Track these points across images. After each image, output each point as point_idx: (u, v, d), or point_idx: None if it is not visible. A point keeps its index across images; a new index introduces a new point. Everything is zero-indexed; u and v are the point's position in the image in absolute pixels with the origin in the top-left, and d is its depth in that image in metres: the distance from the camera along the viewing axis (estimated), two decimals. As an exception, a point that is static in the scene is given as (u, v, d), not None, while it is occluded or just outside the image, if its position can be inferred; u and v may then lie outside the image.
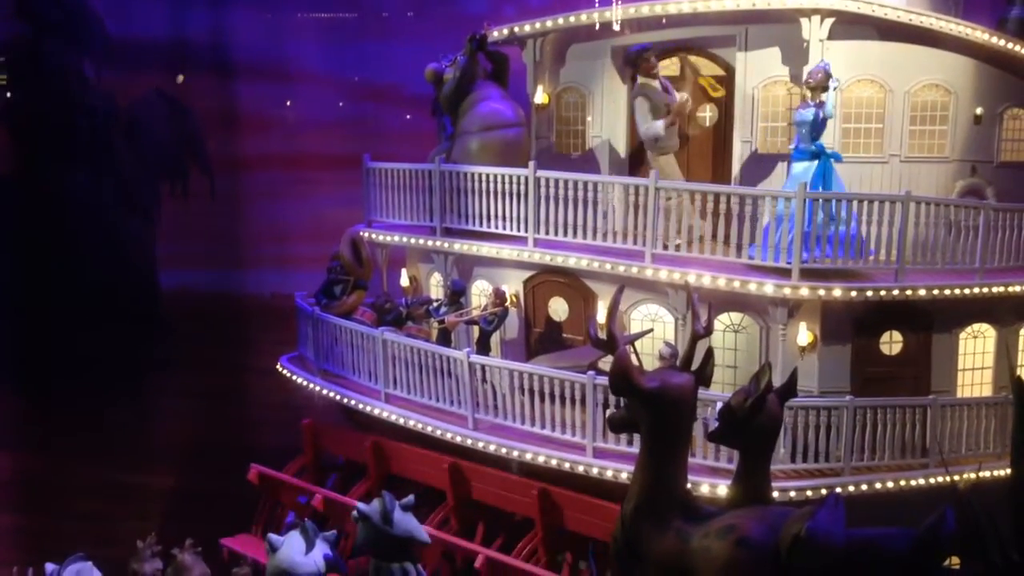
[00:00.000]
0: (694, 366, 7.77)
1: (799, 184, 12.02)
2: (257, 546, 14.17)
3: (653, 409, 7.51)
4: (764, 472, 7.78)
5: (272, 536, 8.47)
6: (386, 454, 14.70)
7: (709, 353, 7.80)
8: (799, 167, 12.66)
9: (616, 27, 13.73)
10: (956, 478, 11.34)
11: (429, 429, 13.83)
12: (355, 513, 8.35)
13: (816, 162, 12.59)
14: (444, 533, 13.23)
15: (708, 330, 8.03)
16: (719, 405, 7.82)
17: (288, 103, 34.50)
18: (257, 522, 15.26)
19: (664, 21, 14.00)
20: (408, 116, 28.26)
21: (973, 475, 11.23)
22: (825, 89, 12.72)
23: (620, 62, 15.13)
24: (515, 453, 12.98)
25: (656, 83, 13.79)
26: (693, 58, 14.67)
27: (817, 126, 12.65)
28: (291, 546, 8.35)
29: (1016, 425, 7.11)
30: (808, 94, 12.76)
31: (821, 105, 12.69)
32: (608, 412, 11.58)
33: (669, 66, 14.73)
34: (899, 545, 7.04)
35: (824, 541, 6.96)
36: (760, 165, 14.09)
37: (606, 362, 7.64)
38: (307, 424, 15.87)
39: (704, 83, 14.49)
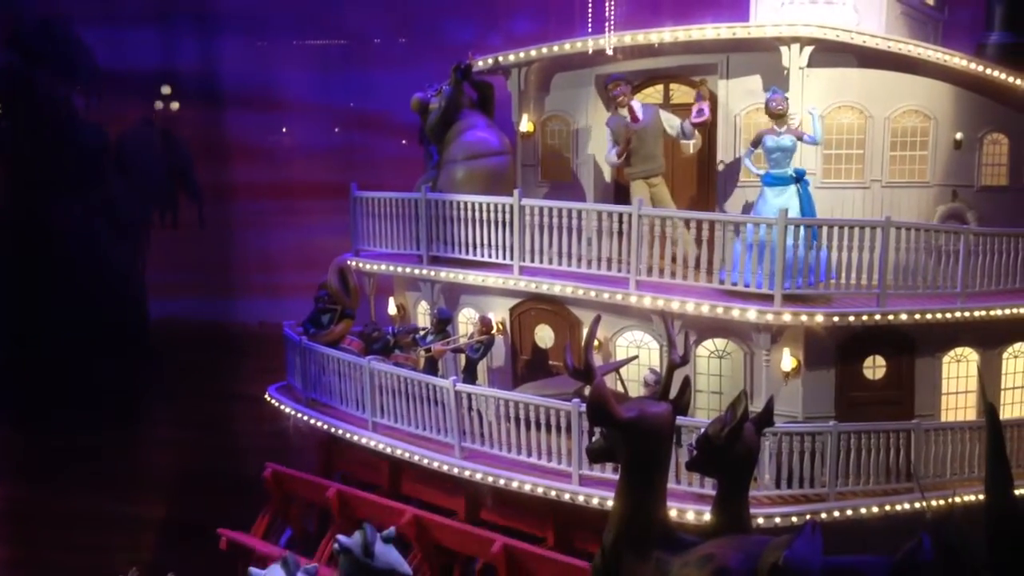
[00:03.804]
0: (672, 395, 7.81)
1: (780, 211, 12.11)
2: None
3: (631, 439, 7.53)
4: (743, 500, 7.78)
5: (254, 570, 8.45)
6: (350, 503, 14.55)
7: (686, 382, 7.85)
8: (776, 193, 12.77)
9: (609, 52, 13.85)
10: (934, 503, 11.31)
11: (416, 458, 13.84)
12: (336, 546, 8.34)
13: (796, 187, 12.70)
14: None
15: (685, 359, 8.07)
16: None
17: (279, 131, 34.61)
18: None
19: (656, 47, 14.10)
20: (404, 142, 28.29)
21: (957, 499, 11.21)
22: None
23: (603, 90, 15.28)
24: (501, 481, 12.99)
25: (624, 111, 13.91)
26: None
27: (793, 152, 12.80)
28: (273, 580, 8.33)
29: (988, 451, 7.13)
30: (776, 121, 12.92)
31: (795, 131, 12.85)
32: (591, 440, 11.58)
33: (652, 93, 14.89)
34: (876, 572, 7.03)
35: (802, 569, 6.95)
36: (743, 191, 14.18)
37: (592, 389, 7.76)
38: (269, 475, 15.59)
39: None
